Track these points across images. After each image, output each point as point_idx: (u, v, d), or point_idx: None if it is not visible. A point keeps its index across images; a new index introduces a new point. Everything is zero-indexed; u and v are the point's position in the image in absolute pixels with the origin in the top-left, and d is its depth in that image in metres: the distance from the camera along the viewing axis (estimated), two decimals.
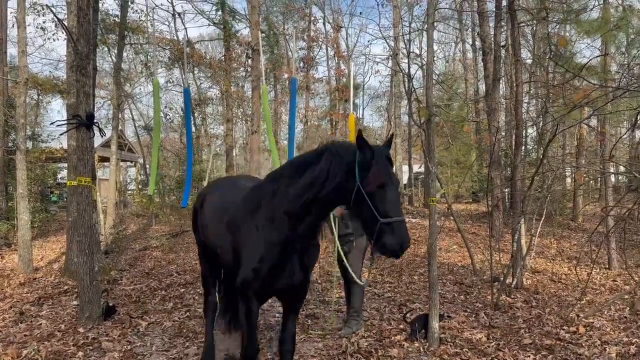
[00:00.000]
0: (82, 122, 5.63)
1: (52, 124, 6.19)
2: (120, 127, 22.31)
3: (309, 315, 6.12)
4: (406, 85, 9.80)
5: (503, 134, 13.14)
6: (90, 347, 4.95)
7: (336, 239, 5.19)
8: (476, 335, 5.19)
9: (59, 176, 19.33)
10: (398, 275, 8.51)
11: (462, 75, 29.29)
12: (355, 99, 34.13)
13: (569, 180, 17.73)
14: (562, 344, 4.93)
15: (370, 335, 5.29)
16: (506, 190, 14.28)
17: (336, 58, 28.02)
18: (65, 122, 5.93)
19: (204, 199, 4.43)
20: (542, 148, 7.59)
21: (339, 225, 5.29)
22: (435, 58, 24.06)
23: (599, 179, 12.99)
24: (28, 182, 9.77)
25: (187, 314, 6.15)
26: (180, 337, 5.30)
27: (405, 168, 29.01)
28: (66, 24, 6.00)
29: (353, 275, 4.85)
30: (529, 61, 13.22)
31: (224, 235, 3.62)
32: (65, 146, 12.88)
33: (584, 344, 4.89)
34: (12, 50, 18.04)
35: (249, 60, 19.28)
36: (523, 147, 8.84)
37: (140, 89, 31.11)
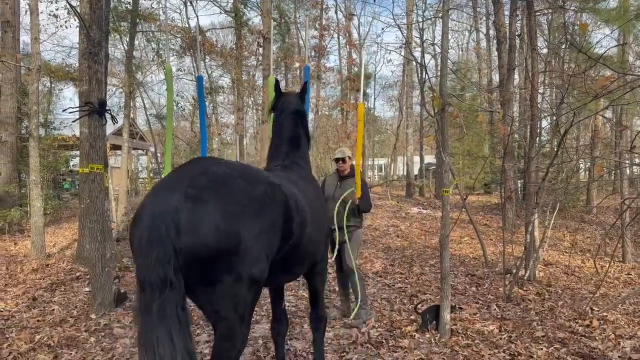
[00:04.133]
0: (94, 109, 5.62)
1: (64, 110, 6.19)
2: (131, 116, 22.35)
3: None
4: (419, 75, 9.69)
5: (517, 124, 12.99)
6: (102, 333, 4.98)
7: (337, 227, 5.21)
8: (488, 327, 5.14)
9: (71, 163, 19.41)
10: (409, 266, 8.47)
11: (476, 64, 28.99)
12: (367, 88, 33.95)
13: (582, 172, 17.54)
14: (575, 337, 4.87)
15: (381, 325, 5.26)
16: (519, 182, 14.16)
17: (348, 47, 27.85)
18: (78, 109, 5.93)
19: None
20: (557, 139, 7.47)
21: (348, 216, 5.27)
22: (449, 47, 23.82)
23: (614, 171, 12.81)
24: (41, 169, 9.82)
25: None
26: (192, 324, 5.31)
27: (417, 159, 28.86)
28: (79, 10, 5.96)
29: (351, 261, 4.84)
30: (545, 50, 13.02)
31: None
32: (77, 134, 12.94)
33: (597, 338, 4.83)
34: (24, 38, 18.10)
35: (260, 49, 19.19)
36: (537, 139, 8.73)
37: (152, 77, 31.22)
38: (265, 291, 4.14)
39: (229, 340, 2.46)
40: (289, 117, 3.93)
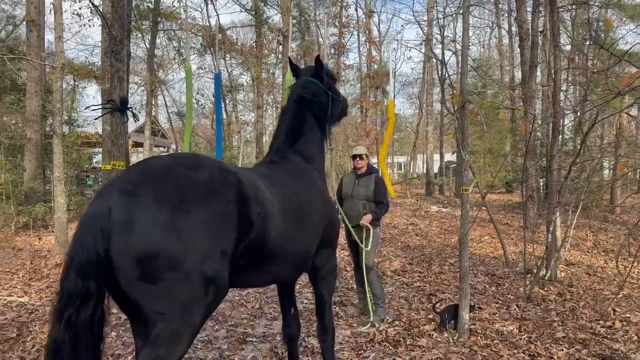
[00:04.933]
0: (115, 106, 5.70)
1: (87, 108, 6.30)
2: (153, 113, 22.61)
3: (336, 302, 6.11)
4: (439, 72, 9.59)
5: (539, 122, 12.79)
6: (123, 328, 5.06)
7: (353, 226, 5.29)
8: (507, 328, 5.08)
9: (94, 160, 19.75)
10: (428, 265, 8.41)
11: (498, 61, 28.61)
12: (387, 85, 33.79)
13: (606, 171, 17.21)
14: (597, 338, 4.78)
15: (399, 324, 5.24)
16: (541, 180, 13.95)
17: (367, 44, 27.74)
18: (100, 106, 6.02)
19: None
20: (580, 137, 7.34)
21: (359, 216, 5.33)
22: (470, 44, 23.59)
23: (639, 170, 12.53)
24: (64, 166, 10.01)
25: None
26: (210, 320, 5.36)
27: (437, 157, 28.63)
28: (101, 9, 6.06)
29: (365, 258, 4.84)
30: (568, 47, 12.79)
31: None
32: (100, 131, 13.15)
33: (619, 339, 4.74)
34: (49, 37, 18.43)
35: (280, 47, 19.25)
36: (560, 136, 8.58)
37: (173, 75, 31.56)
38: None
39: (167, 346, 2.15)
40: (289, 107, 3.67)
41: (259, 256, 2.65)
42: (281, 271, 3.01)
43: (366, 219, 5.23)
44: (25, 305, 5.92)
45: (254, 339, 4.81)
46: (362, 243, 5.29)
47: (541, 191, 15.36)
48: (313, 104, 3.66)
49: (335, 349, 4.49)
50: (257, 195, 2.59)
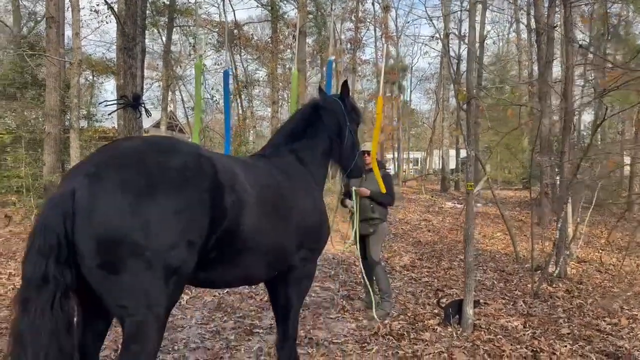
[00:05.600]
0: (128, 102, 5.83)
1: (100, 104, 6.46)
2: (170, 109, 22.88)
3: (344, 296, 6.19)
4: (451, 67, 9.58)
5: (556, 118, 12.67)
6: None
7: (355, 221, 5.34)
8: (512, 323, 5.11)
9: None
10: (437, 261, 8.44)
11: (516, 56, 28.29)
12: (403, 80, 33.66)
13: (627, 167, 16.93)
14: (601, 335, 4.79)
15: (404, 318, 5.30)
16: (557, 177, 13.80)
17: (384, 39, 27.67)
18: (113, 102, 6.15)
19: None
20: (595, 133, 7.27)
21: (366, 210, 5.40)
22: (487, 38, 23.36)
23: None
24: (81, 159, 10.22)
25: (227, 290, 6.33)
26: (219, 311, 5.48)
27: (453, 153, 28.47)
28: (115, 7, 6.19)
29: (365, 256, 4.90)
30: (584, 42, 12.61)
31: None
32: (116, 126, 13.40)
33: (624, 336, 4.74)
34: (68, 33, 18.77)
35: (296, 42, 19.31)
36: (576, 133, 8.50)
37: (189, 71, 31.80)
38: None
39: (137, 342, 2.12)
40: (300, 109, 3.75)
41: (231, 248, 2.53)
42: (253, 266, 2.81)
43: (362, 191, 5.31)
44: None
45: (261, 331, 4.91)
46: (367, 237, 5.38)
47: (557, 188, 15.21)
48: (326, 114, 3.61)
49: (339, 341, 4.60)
50: (233, 183, 2.49)
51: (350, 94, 3.88)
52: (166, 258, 2.09)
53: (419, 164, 47.21)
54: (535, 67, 24.18)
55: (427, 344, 4.53)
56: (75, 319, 2.17)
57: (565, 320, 5.24)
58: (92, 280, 2.06)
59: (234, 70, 20.51)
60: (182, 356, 4.21)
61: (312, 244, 3.30)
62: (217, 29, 19.70)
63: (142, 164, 2.14)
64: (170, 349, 4.35)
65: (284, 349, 3.31)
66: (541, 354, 4.31)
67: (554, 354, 4.31)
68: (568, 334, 4.81)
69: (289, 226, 2.99)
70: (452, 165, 28.85)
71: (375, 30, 29.43)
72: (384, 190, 5.25)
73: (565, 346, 4.47)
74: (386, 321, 5.15)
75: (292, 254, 3.10)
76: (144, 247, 2.03)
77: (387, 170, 5.73)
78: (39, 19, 22.45)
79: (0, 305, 5.64)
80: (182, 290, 2.34)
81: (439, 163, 30.35)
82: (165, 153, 2.25)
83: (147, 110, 6.23)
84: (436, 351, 4.36)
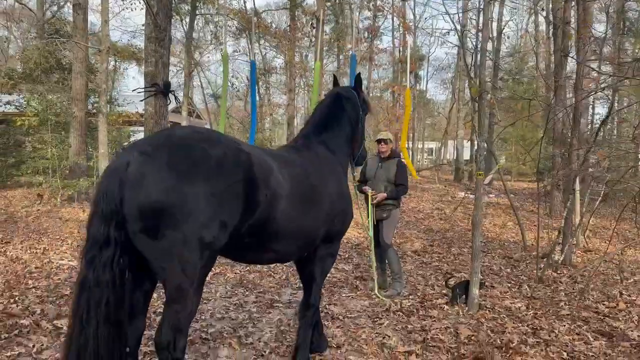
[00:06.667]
0: (159, 90, 6.21)
1: (133, 90, 6.83)
2: (189, 94, 23.28)
3: (358, 277, 6.55)
4: (464, 60, 9.81)
5: (568, 110, 12.78)
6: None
7: (370, 225, 5.72)
8: (516, 304, 5.44)
9: (132, 138, 20.54)
10: (447, 247, 8.76)
11: (533, 48, 28.17)
12: (419, 70, 33.69)
13: None
14: (599, 317, 5.10)
15: (414, 297, 5.66)
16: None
17: (401, 28, 27.68)
18: (145, 89, 6.53)
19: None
20: (603, 126, 7.50)
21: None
22: (505, 30, 23.28)
23: None
24: (107, 142, 10.64)
25: (248, 268, 6.72)
26: (241, 287, 5.88)
27: (467, 143, 28.56)
28: None
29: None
30: (601, 36, 12.68)
31: None
32: (140, 110, 13.78)
33: (621, 319, 5.04)
34: (91, 18, 19.18)
35: (314, 30, 19.56)
36: (589, 126, 8.72)
37: (208, 57, 32.19)
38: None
39: (178, 302, 2.47)
40: (325, 100, 3.98)
41: (264, 235, 2.86)
42: (285, 251, 3.18)
43: (380, 197, 5.67)
44: (75, 268, 6.53)
45: (281, 305, 5.29)
46: (381, 222, 5.74)
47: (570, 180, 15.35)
48: (348, 104, 3.92)
49: (353, 315, 4.97)
50: (268, 177, 2.77)
51: (366, 83, 4.25)
52: (199, 233, 2.40)
53: (434, 154, 47.25)
54: (553, 59, 24.15)
55: (434, 320, 4.89)
56: (127, 275, 2.54)
57: (566, 303, 5.56)
58: (137, 243, 2.40)
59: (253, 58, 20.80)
60: (209, 324, 4.61)
61: (338, 226, 3.62)
62: (237, 17, 19.99)
63: (188, 150, 2.46)
64: (198, 318, 4.75)
65: (305, 317, 3.68)
66: (541, 331, 4.64)
67: (553, 331, 4.64)
68: (567, 315, 5.13)
69: (319, 214, 3.29)
70: (466, 156, 28.97)
71: (392, 20, 29.46)
72: (413, 171, 5.59)
73: (564, 325, 4.80)
74: (397, 299, 5.51)
75: (320, 237, 3.43)
76: (182, 222, 2.35)
77: (402, 160, 6.04)
78: (61, 2, 22.93)
79: (38, 277, 6.10)
80: (214, 262, 2.66)
81: (454, 153, 30.46)
82: (209, 142, 2.56)
83: (176, 97, 6.64)
84: (443, 327, 4.71)
